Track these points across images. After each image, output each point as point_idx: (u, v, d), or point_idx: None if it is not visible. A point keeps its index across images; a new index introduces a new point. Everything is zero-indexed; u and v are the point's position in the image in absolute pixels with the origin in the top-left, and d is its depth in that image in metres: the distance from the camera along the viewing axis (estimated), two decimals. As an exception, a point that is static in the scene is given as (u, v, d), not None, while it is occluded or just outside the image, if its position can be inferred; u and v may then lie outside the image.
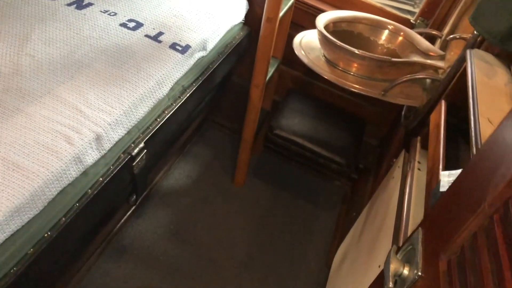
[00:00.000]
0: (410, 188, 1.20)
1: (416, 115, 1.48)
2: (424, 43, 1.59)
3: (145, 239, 1.78)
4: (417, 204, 1.11)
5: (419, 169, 1.27)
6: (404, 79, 1.45)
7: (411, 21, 1.83)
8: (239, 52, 1.86)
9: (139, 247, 1.75)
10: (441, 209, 0.60)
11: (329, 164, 1.89)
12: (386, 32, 1.66)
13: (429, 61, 1.51)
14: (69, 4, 1.48)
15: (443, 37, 1.62)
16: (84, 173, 1.10)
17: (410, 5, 2.17)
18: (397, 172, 1.39)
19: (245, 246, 1.89)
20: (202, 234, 1.87)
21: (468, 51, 1.17)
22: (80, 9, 1.48)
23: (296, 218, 2.07)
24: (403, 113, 1.67)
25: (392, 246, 0.67)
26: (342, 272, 1.54)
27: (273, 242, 1.94)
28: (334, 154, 1.85)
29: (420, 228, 0.62)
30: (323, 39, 1.53)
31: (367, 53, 1.47)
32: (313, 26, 1.58)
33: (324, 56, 1.59)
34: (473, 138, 0.83)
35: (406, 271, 0.60)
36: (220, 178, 2.13)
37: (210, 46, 1.61)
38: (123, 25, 1.47)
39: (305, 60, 1.59)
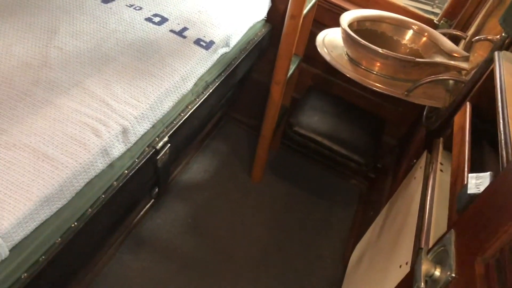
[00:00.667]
0: (432, 189, 1.20)
1: (439, 116, 1.47)
2: (448, 44, 1.58)
3: (163, 232, 1.80)
4: (440, 205, 1.11)
5: (441, 170, 1.26)
6: (428, 79, 1.44)
7: (435, 21, 1.81)
8: (261, 49, 1.86)
9: (157, 239, 1.77)
10: (475, 212, 0.60)
11: (348, 163, 1.89)
12: (410, 32, 1.65)
13: (452, 62, 1.50)
14: (96, -2, 1.50)
15: (468, 38, 1.61)
16: (110, 166, 1.11)
17: (430, 5, 2.15)
18: (418, 173, 1.38)
19: (261, 241, 1.90)
20: (218, 228, 1.89)
21: (496, 53, 1.16)
22: (106, 3, 1.49)
23: (313, 215, 2.08)
24: (424, 113, 1.66)
25: (418, 247, 0.67)
26: (359, 271, 1.54)
27: (289, 238, 1.95)
28: (353, 152, 1.85)
29: (452, 230, 0.62)
30: (347, 38, 1.52)
31: (390, 52, 1.46)
32: (335, 24, 1.58)
33: (347, 54, 1.59)
34: (503, 141, 0.83)
35: (437, 272, 0.60)
36: (238, 173, 2.14)
37: (233, 42, 1.62)
38: (149, 19, 1.49)
39: (327, 57, 1.58)
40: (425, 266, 0.61)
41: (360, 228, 1.90)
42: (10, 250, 0.88)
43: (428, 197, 1.18)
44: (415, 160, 1.56)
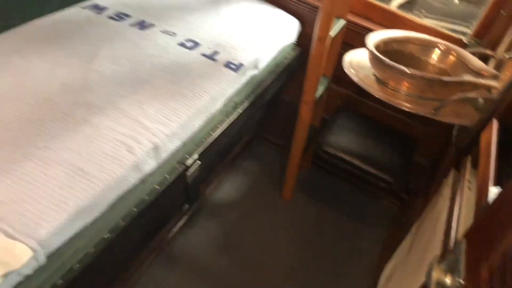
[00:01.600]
0: (459, 207, 1.19)
1: (467, 134, 1.47)
2: (477, 62, 1.58)
3: (195, 249, 1.84)
4: (467, 222, 1.10)
5: (469, 188, 1.25)
6: (455, 97, 1.45)
7: (464, 41, 1.81)
8: (290, 71, 1.91)
9: (188, 256, 1.81)
10: (485, 221, 0.61)
11: (378, 183, 1.88)
12: (437, 51, 1.66)
13: (481, 80, 1.49)
14: (133, 25, 1.60)
15: (497, 57, 1.60)
16: (142, 181, 1.17)
17: (464, 25, 2.15)
18: (446, 191, 1.38)
19: (291, 259, 1.91)
20: (249, 246, 1.91)
21: (522, 70, 1.16)
22: (143, 30, 1.59)
23: (343, 235, 2.07)
24: (454, 132, 1.65)
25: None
26: (388, 291, 1.52)
27: (318, 258, 1.95)
28: (383, 172, 1.85)
29: (464, 239, 0.63)
30: (373, 58, 1.55)
31: (417, 71, 1.47)
32: (363, 45, 1.61)
33: (374, 75, 1.61)
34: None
35: (448, 280, 0.61)
36: (268, 193, 2.17)
37: (262, 65, 1.68)
38: (182, 44, 1.57)
39: (355, 78, 1.61)
40: (436, 274, 0.62)
41: (391, 248, 1.88)
42: (47, 257, 0.95)
43: (455, 214, 1.17)
44: (444, 179, 1.55)
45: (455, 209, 1.19)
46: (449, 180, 1.42)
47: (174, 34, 1.61)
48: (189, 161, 1.31)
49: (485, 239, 0.57)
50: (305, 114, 1.82)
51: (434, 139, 2.05)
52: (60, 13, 1.58)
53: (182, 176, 1.30)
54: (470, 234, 0.64)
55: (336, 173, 2.31)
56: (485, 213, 0.64)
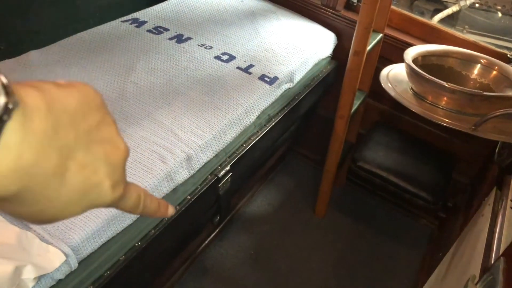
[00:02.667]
0: (501, 227, 1.13)
1: (510, 152, 1.41)
2: (521, 77, 1.52)
3: (226, 262, 1.83)
4: (508, 243, 1.05)
5: (511, 207, 1.20)
6: (497, 113, 1.39)
7: (508, 55, 1.75)
8: (326, 85, 1.90)
9: (220, 269, 1.81)
10: (524, 239, 0.57)
11: (415, 200, 1.83)
12: (478, 66, 1.61)
13: (526, 96, 1.43)
14: (171, 38, 1.63)
15: (543, 72, 1.54)
16: (174, 190, 1.18)
17: (503, 40, 2.09)
18: (487, 210, 1.32)
19: (323, 277, 1.87)
20: (280, 261, 1.89)
21: None
22: (180, 43, 1.62)
23: (378, 254, 2.02)
24: (497, 150, 1.58)
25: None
26: (424, 313, 1.46)
27: (352, 276, 1.90)
28: (420, 189, 1.79)
29: (501, 258, 0.59)
30: (411, 72, 1.52)
31: (457, 86, 1.43)
32: (401, 60, 1.58)
33: (412, 89, 1.58)
34: None
35: (484, 301, 0.58)
36: (301, 208, 2.14)
37: (297, 78, 1.67)
38: (218, 57, 1.59)
39: (392, 92, 1.58)
40: (471, 295, 0.59)
41: (429, 269, 1.81)
42: (79, 263, 0.96)
43: (496, 235, 1.12)
44: (485, 199, 1.48)
45: (496, 229, 1.14)
46: (491, 199, 1.36)
47: (210, 47, 1.63)
48: (221, 173, 1.31)
49: (524, 259, 0.54)
50: (340, 129, 1.80)
51: (474, 157, 1.97)
52: (101, 27, 1.64)
53: (213, 187, 1.31)
54: (508, 253, 0.60)
55: (371, 190, 2.26)
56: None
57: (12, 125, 0.26)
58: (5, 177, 0.26)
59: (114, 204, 0.36)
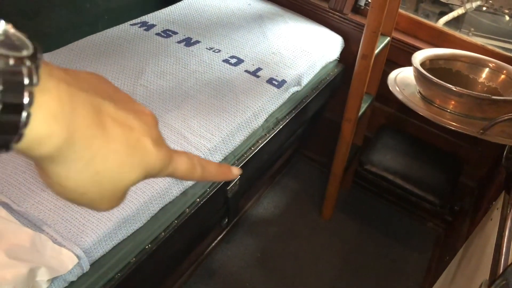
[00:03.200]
0: (510, 231, 1.13)
1: (519, 156, 1.41)
2: (530, 81, 1.52)
3: (233, 265, 1.84)
4: (517, 247, 1.05)
5: (520, 212, 1.20)
6: (505, 117, 1.39)
7: (516, 59, 1.75)
8: (333, 88, 1.91)
9: (227, 271, 1.81)
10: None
11: (422, 203, 1.83)
12: (486, 70, 1.61)
13: (534, 100, 1.43)
14: (179, 42, 1.64)
15: (552, 76, 1.54)
16: (184, 193, 1.19)
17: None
18: (495, 214, 1.32)
19: (330, 280, 1.87)
20: (287, 264, 1.89)
21: None
22: (189, 46, 1.63)
23: (384, 257, 2.02)
24: (504, 154, 1.58)
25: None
26: (432, 317, 1.47)
27: (358, 279, 1.90)
28: (427, 192, 1.79)
29: (514, 263, 0.60)
30: (419, 76, 1.52)
31: (465, 90, 1.43)
32: (408, 63, 1.58)
33: (420, 92, 1.58)
34: None
35: (497, 307, 0.58)
36: (308, 210, 2.15)
37: (305, 81, 1.68)
38: (226, 61, 1.59)
39: (399, 96, 1.58)
40: (484, 300, 0.59)
41: (436, 273, 1.81)
42: (91, 265, 0.97)
43: (505, 239, 1.12)
44: (493, 202, 1.48)
45: (506, 233, 1.14)
46: (499, 203, 1.36)
47: (218, 50, 1.64)
48: (230, 176, 1.32)
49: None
50: (347, 132, 1.80)
51: (482, 160, 1.97)
52: (110, 30, 1.65)
53: (222, 190, 1.31)
54: (522, 259, 0.60)
55: (378, 193, 2.27)
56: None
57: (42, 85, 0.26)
58: (48, 124, 0.27)
59: (165, 168, 0.36)
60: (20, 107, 0.25)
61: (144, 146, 0.33)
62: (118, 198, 0.34)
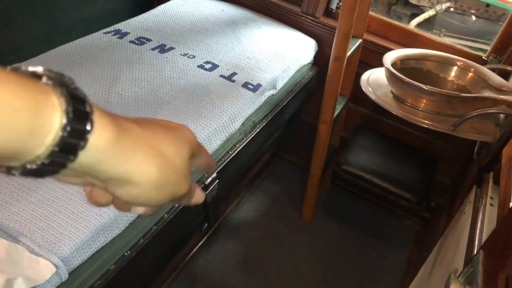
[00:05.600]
0: (481, 223, 1.17)
1: (489, 150, 1.45)
2: (497, 78, 1.57)
3: (215, 269, 1.84)
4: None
5: (491, 204, 1.23)
6: (474, 113, 1.43)
7: (483, 57, 1.81)
8: (308, 91, 1.93)
9: (209, 276, 1.81)
10: (501, 231, 0.60)
11: (399, 201, 1.86)
12: (455, 68, 1.66)
13: (501, 96, 1.48)
14: (154, 49, 1.64)
15: (517, 72, 1.59)
16: (162, 199, 1.19)
17: (484, 43, 2.15)
18: (468, 208, 1.35)
19: (312, 280, 1.89)
20: (269, 267, 1.90)
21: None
22: (163, 53, 1.63)
23: (365, 255, 2.05)
24: (475, 149, 1.63)
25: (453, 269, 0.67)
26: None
27: (340, 279, 1.92)
28: (403, 190, 1.83)
29: (481, 250, 0.62)
30: (390, 76, 1.56)
31: (435, 88, 1.47)
32: (381, 64, 1.62)
33: (392, 92, 1.62)
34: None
35: (466, 293, 0.60)
36: (288, 213, 2.16)
37: (280, 85, 1.70)
38: (201, 66, 1.60)
39: (372, 96, 1.62)
40: (454, 287, 0.61)
41: (415, 269, 1.85)
42: (69, 274, 0.97)
43: (477, 231, 1.15)
44: (467, 197, 1.52)
45: (477, 225, 1.17)
46: (471, 197, 1.40)
47: (193, 56, 1.65)
48: (208, 180, 1.33)
49: (501, 249, 0.57)
50: (323, 134, 1.83)
51: (456, 157, 2.02)
52: (84, 39, 1.64)
53: (201, 194, 1.32)
54: (487, 245, 0.63)
55: (357, 192, 2.30)
56: (501, 224, 0.63)
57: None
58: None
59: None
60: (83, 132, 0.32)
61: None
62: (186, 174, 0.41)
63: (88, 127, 0.32)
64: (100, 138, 0.33)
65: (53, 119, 0.30)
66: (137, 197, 0.37)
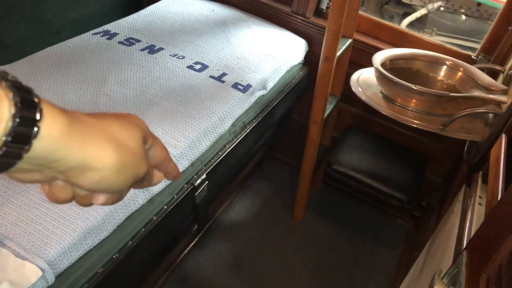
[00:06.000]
0: (470, 223, 1.17)
1: (478, 150, 1.45)
2: (485, 78, 1.57)
3: (206, 270, 1.83)
4: (476, 238, 1.09)
5: (480, 204, 1.24)
6: (463, 113, 1.44)
7: (472, 57, 1.81)
8: (299, 91, 1.93)
9: (200, 278, 1.81)
10: (484, 232, 0.60)
11: (390, 200, 1.87)
12: (444, 68, 1.66)
13: (490, 96, 1.48)
14: (143, 49, 1.64)
15: (506, 72, 1.60)
16: (150, 201, 1.19)
17: (468, 41, 2.16)
18: (457, 207, 1.36)
19: (304, 280, 1.89)
20: (261, 267, 1.90)
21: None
22: (152, 54, 1.63)
23: (357, 255, 2.05)
24: (465, 148, 1.63)
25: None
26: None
27: (332, 278, 1.92)
28: (394, 190, 1.83)
29: (464, 251, 0.62)
30: (380, 76, 1.56)
31: (424, 88, 1.47)
32: (371, 64, 1.62)
33: (382, 92, 1.62)
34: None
35: (450, 294, 0.60)
36: (280, 213, 2.16)
37: (270, 85, 1.70)
38: (190, 67, 1.60)
39: (362, 96, 1.62)
40: (438, 288, 0.61)
41: (407, 268, 1.85)
42: (56, 277, 0.96)
43: (466, 231, 1.16)
44: (456, 196, 1.53)
45: (466, 225, 1.18)
46: (460, 196, 1.41)
47: (183, 57, 1.64)
48: (197, 181, 1.32)
49: (483, 250, 0.57)
50: (314, 133, 1.83)
51: (446, 156, 2.03)
52: (72, 40, 1.63)
53: (190, 196, 1.31)
54: (470, 246, 0.63)
55: (348, 192, 2.30)
56: (484, 225, 0.63)
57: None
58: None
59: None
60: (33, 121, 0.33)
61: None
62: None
63: (38, 116, 0.33)
64: (51, 126, 0.34)
65: (2, 109, 0.31)
66: (99, 183, 0.38)
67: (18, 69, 1.45)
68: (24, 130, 0.32)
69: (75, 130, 0.36)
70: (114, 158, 0.38)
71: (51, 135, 0.34)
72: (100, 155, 0.37)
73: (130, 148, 0.40)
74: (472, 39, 2.47)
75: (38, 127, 0.33)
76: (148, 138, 0.44)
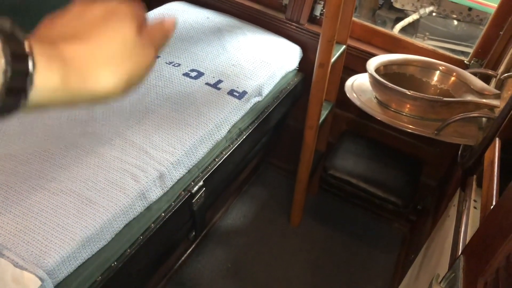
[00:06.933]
0: (465, 226, 1.18)
1: (472, 154, 1.47)
2: (478, 82, 1.59)
3: (204, 277, 1.84)
4: (472, 242, 1.10)
5: (475, 207, 1.25)
6: (457, 117, 1.45)
7: (465, 61, 1.83)
8: (294, 97, 1.94)
9: (198, 284, 1.81)
10: (480, 236, 0.61)
11: (385, 205, 1.88)
12: (437, 73, 1.68)
13: (483, 100, 1.50)
14: (139, 57, 1.64)
15: (498, 76, 1.62)
16: (148, 208, 1.19)
17: (460, 45, 2.18)
18: (452, 211, 1.37)
19: (301, 285, 1.90)
20: (259, 273, 1.91)
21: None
22: (148, 62, 1.63)
23: (354, 259, 2.06)
24: (459, 152, 1.65)
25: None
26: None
27: (329, 283, 1.93)
28: (389, 194, 1.85)
29: (461, 256, 0.63)
30: (374, 82, 1.58)
31: (418, 93, 1.49)
32: (365, 70, 1.63)
33: (376, 98, 1.63)
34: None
35: (447, 298, 0.61)
36: (277, 218, 2.17)
37: (266, 91, 1.71)
38: (186, 74, 1.61)
39: (357, 102, 1.63)
40: (435, 293, 0.62)
41: (403, 272, 1.86)
42: (55, 287, 0.96)
43: (461, 235, 1.17)
44: (451, 200, 1.54)
45: (461, 229, 1.19)
46: (455, 200, 1.42)
47: (178, 64, 1.65)
48: (194, 188, 1.33)
49: (480, 254, 0.58)
50: (310, 139, 1.84)
51: (441, 160, 2.05)
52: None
53: (188, 203, 1.32)
54: (467, 251, 0.64)
55: (344, 197, 2.31)
56: (480, 229, 0.64)
57: None
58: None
59: None
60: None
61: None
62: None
63: (31, 68, 0.33)
64: (46, 78, 0.34)
65: None
66: (113, 98, 0.41)
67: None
68: (17, 84, 0.32)
69: (70, 76, 0.36)
70: (116, 81, 0.39)
71: (47, 86, 0.34)
72: (102, 86, 0.38)
73: (127, 55, 0.41)
74: (464, 43, 2.50)
75: (32, 80, 0.33)
76: (142, 23, 0.45)
